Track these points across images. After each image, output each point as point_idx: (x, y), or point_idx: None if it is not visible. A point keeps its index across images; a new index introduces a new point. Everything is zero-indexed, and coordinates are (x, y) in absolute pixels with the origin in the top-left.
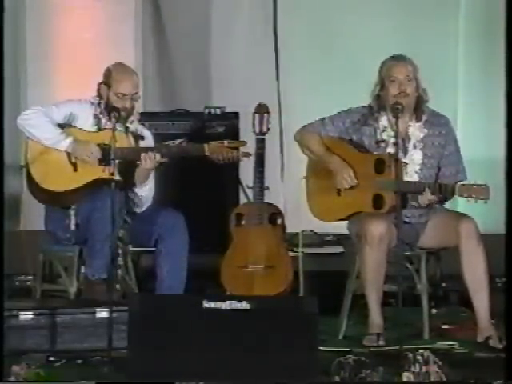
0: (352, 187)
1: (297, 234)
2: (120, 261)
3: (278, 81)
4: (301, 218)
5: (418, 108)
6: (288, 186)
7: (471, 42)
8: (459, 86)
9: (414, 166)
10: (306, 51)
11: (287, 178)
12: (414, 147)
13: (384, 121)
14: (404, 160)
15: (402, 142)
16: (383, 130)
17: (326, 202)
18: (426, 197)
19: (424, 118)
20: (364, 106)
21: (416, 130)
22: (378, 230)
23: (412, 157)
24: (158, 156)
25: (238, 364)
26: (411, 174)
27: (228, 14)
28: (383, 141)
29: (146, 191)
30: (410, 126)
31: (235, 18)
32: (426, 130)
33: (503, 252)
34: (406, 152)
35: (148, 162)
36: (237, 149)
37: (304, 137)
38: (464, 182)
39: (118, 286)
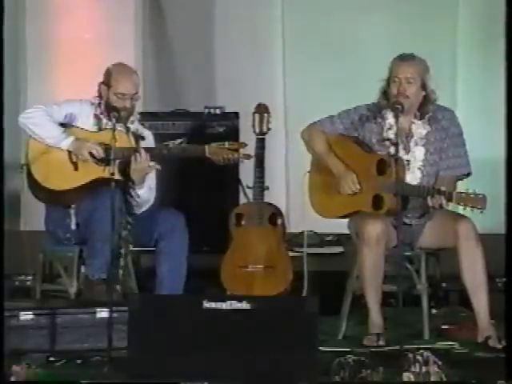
0: None
1: (297, 234)
2: (122, 261)
3: (284, 80)
4: (303, 218)
5: (423, 107)
6: (289, 186)
7: (471, 41)
8: (458, 86)
9: (416, 163)
10: (308, 51)
11: (289, 177)
12: (416, 144)
13: (391, 119)
14: (406, 157)
15: (405, 139)
16: (389, 128)
17: (327, 199)
18: (438, 201)
19: (428, 115)
20: (373, 103)
21: (419, 128)
22: (374, 230)
23: (414, 154)
24: (148, 157)
25: (238, 364)
26: (413, 171)
27: (230, 14)
28: (389, 139)
29: (143, 192)
30: (413, 123)
31: (237, 17)
32: (428, 127)
33: (503, 252)
34: (408, 150)
35: (136, 161)
36: (237, 150)
37: (309, 135)
38: (462, 191)
39: (118, 287)
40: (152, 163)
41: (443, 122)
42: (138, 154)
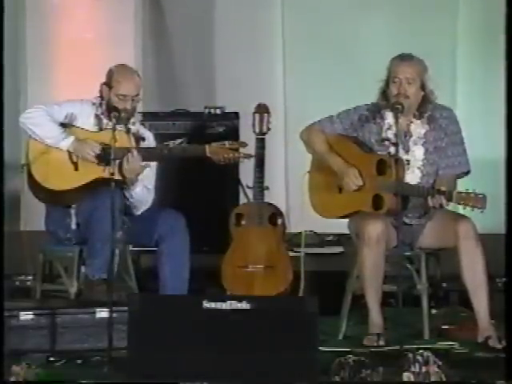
0: None
1: (297, 234)
2: (116, 261)
3: (284, 80)
4: (303, 218)
5: (422, 107)
6: (289, 186)
7: (471, 41)
8: (458, 86)
9: (415, 162)
10: (307, 51)
11: (289, 177)
12: (415, 143)
13: (389, 118)
14: (406, 157)
15: (404, 138)
16: (388, 128)
17: (327, 199)
18: (438, 200)
19: (426, 114)
20: (372, 103)
21: (417, 127)
22: (375, 230)
23: (413, 153)
24: (139, 157)
25: (238, 364)
26: (413, 170)
27: (230, 14)
28: (388, 139)
29: (137, 193)
30: (411, 122)
31: (237, 17)
32: (427, 126)
33: (503, 252)
34: (407, 149)
35: (127, 162)
36: (237, 150)
37: (309, 136)
38: (462, 190)
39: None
40: (143, 163)
41: (442, 121)
42: (129, 154)
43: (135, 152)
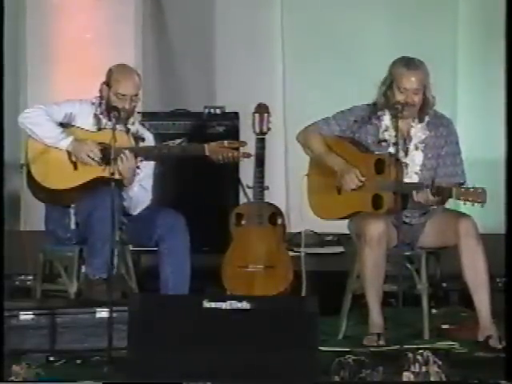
0: None
1: (297, 233)
2: (115, 261)
3: (284, 80)
4: (303, 218)
5: (422, 111)
6: (289, 186)
7: (471, 40)
8: (459, 85)
9: (414, 167)
10: (307, 50)
11: (289, 177)
12: (416, 148)
13: (387, 120)
14: (405, 160)
15: (403, 142)
16: (385, 130)
17: (326, 201)
18: (426, 196)
19: (427, 119)
20: (368, 104)
21: (418, 131)
22: (376, 230)
23: (413, 157)
24: (133, 157)
25: (238, 364)
26: (411, 175)
27: (230, 14)
28: (385, 140)
29: (135, 192)
30: (412, 126)
31: (237, 17)
32: (427, 132)
33: (503, 252)
34: (406, 152)
35: (121, 162)
36: (237, 149)
37: (306, 138)
38: (461, 186)
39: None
40: (138, 163)
41: (442, 129)
42: (122, 155)
43: (127, 152)
